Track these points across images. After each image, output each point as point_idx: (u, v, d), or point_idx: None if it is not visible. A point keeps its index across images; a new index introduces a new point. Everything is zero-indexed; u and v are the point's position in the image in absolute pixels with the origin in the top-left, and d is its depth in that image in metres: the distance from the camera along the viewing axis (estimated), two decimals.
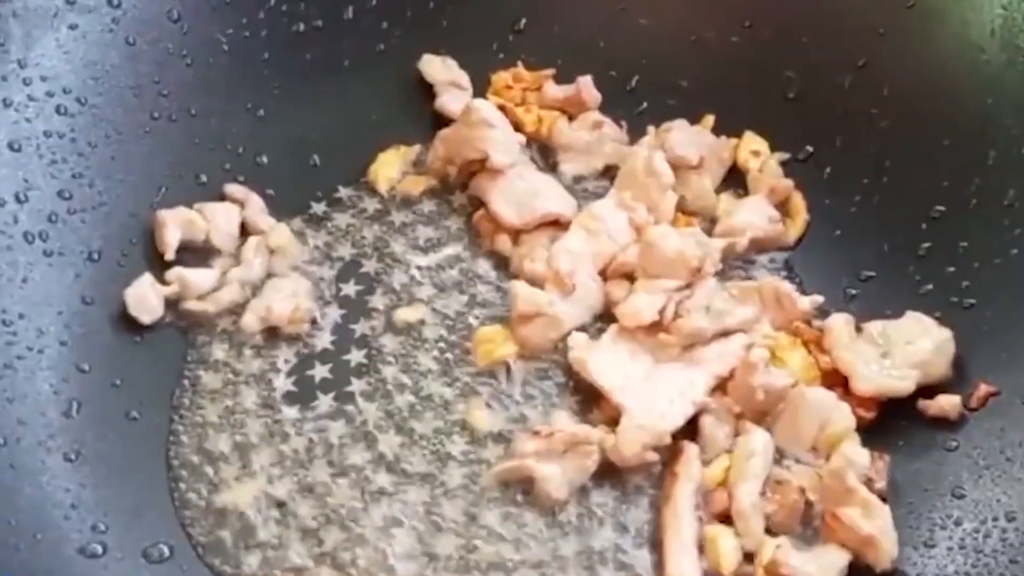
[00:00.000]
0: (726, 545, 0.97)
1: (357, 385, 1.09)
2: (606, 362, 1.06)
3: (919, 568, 0.96)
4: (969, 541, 0.96)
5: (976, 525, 0.96)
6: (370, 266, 1.17)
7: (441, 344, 1.12)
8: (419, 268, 1.17)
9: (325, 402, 1.08)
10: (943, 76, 1.16)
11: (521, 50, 1.28)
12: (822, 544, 0.97)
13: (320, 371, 1.10)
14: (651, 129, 1.22)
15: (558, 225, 1.16)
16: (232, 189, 1.19)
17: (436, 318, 1.13)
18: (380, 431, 1.06)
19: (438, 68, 1.28)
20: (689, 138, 1.20)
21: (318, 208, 1.21)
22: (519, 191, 1.17)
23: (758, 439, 1.01)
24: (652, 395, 1.04)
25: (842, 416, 1.02)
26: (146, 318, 1.11)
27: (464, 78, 1.27)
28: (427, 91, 1.27)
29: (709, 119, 1.23)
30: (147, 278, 1.11)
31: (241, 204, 1.18)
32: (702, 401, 1.03)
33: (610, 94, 1.26)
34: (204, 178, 1.20)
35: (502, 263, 1.17)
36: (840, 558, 0.95)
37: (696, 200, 1.19)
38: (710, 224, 1.18)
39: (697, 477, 1.00)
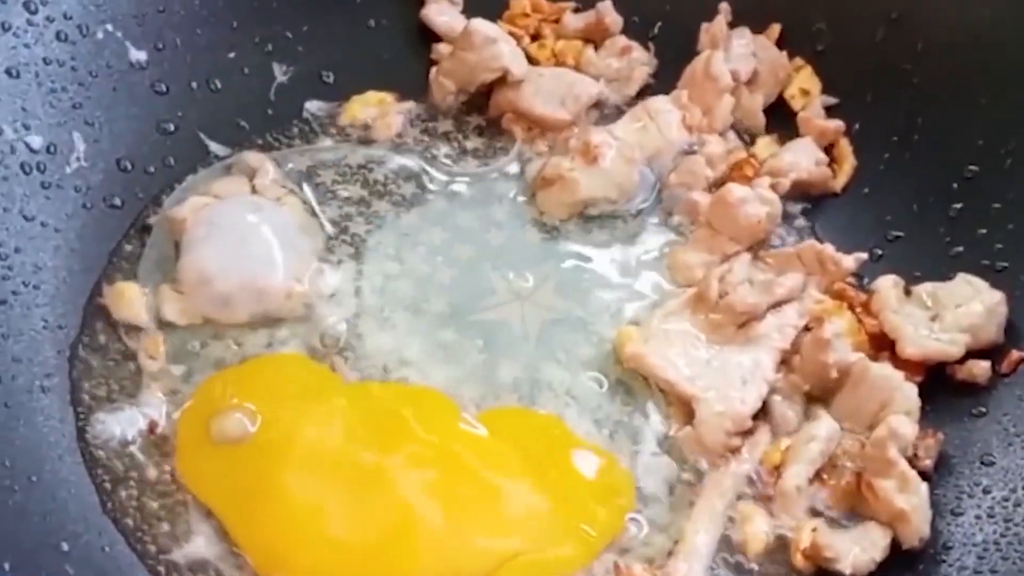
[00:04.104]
0: (757, 527, 0.94)
1: None
2: (664, 354, 1.02)
3: (946, 537, 0.93)
4: (998, 509, 0.93)
5: (1006, 493, 0.93)
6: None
7: None
8: None
9: None
10: (980, 31, 1.12)
11: None
12: (861, 523, 0.94)
13: None
14: (719, 20, 1.18)
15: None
16: (249, 156, 1.14)
17: None
18: None
19: None
20: (748, 48, 1.17)
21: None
22: (552, 89, 1.16)
23: (823, 427, 0.97)
24: (723, 380, 1.00)
25: (905, 396, 0.98)
26: None
27: None
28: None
29: (775, 29, 1.20)
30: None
31: (254, 171, 1.13)
32: (773, 379, 1.00)
33: (634, 32, 1.23)
34: (207, 114, 1.16)
35: None
36: (882, 536, 0.92)
37: (744, 118, 1.17)
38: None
39: (756, 459, 0.98)
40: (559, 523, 0.95)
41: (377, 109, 1.18)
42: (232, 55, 1.18)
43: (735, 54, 1.18)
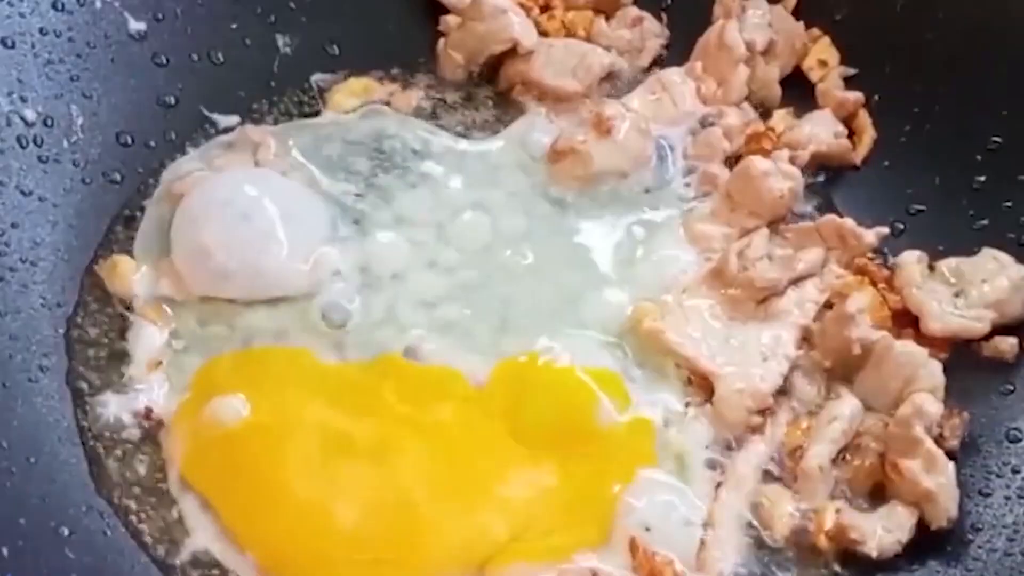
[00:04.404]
0: (782, 509, 0.92)
1: None
2: (683, 330, 0.99)
3: (974, 518, 0.91)
4: None
5: None
6: None
7: None
8: None
9: None
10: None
11: None
12: (886, 504, 0.91)
13: None
14: None
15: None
16: (251, 130, 1.11)
17: None
18: None
19: None
20: (764, 18, 1.14)
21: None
22: (563, 60, 1.13)
23: (846, 406, 0.95)
24: (743, 357, 0.98)
25: (930, 373, 0.95)
26: None
27: None
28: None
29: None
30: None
31: (257, 146, 1.10)
32: (794, 355, 0.97)
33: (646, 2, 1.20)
34: (209, 87, 1.13)
35: None
36: (907, 517, 0.90)
37: (759, 89, 1.14)
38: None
39: (777, 440, 0.95)
40: (569, 500, 0.93)
41: (360, 97, 1.15)
42: (234, 26, 1.15)
43: (750, 24, 1.15)
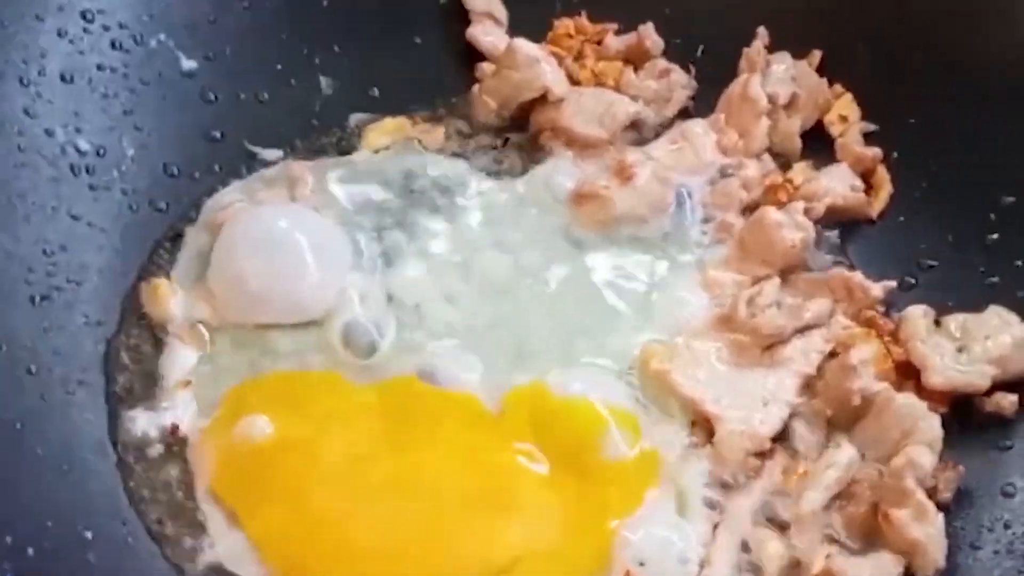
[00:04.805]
0: (774, 551, 0.94)
1: None
2: (689, 372, 1.03)
3: (964, 570, 0.92)
4: (1018, 545, 0.92)
5: None
6: None
7: None
8: None
9: None
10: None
11: (584, 7, 1.26)
12: (876, 551, 0.93)
13: None
14: (757, 44, 1.19)
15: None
16: (292, 166, 1.17)
17: None
18: None
19: None
20: (788, 73, 1.18)
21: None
22: (591, 108, 1.17)
23: (843, 454, 0.97)
24: (745, 400, 1.00)
25: (928, 426, 0.97)
26: None
27: (502, 11, 1.25)
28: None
29: (816, 55, 1.20)
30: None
31: (296, 181, 1.16)
32: (795, 402, 1.00)
33: (675, 55, 1.24)
34: (253, 123, 1.19)
35: None
36: (895, 565, 0.92)
37: (781, 141, 1.17)
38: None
39: (774, 483, 0.98)
40: (571, 529, 0.96)
41: (393, 136, 1.20)
42: (280, 67, 1.21)
43: (774, 78, 1.18)
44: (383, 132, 1.21)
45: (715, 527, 0.97)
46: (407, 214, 1.15)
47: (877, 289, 1.05)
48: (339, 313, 1.08)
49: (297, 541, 0.97)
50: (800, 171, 1.17)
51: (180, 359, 1.06)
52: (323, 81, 1.22)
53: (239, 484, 0.99)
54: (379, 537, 0.96)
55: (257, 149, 1.18)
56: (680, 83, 1.22)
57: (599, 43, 1.25)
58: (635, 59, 1.24)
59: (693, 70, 1.23)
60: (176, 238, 1.13)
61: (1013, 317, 1.02)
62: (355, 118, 1.22)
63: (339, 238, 1.12)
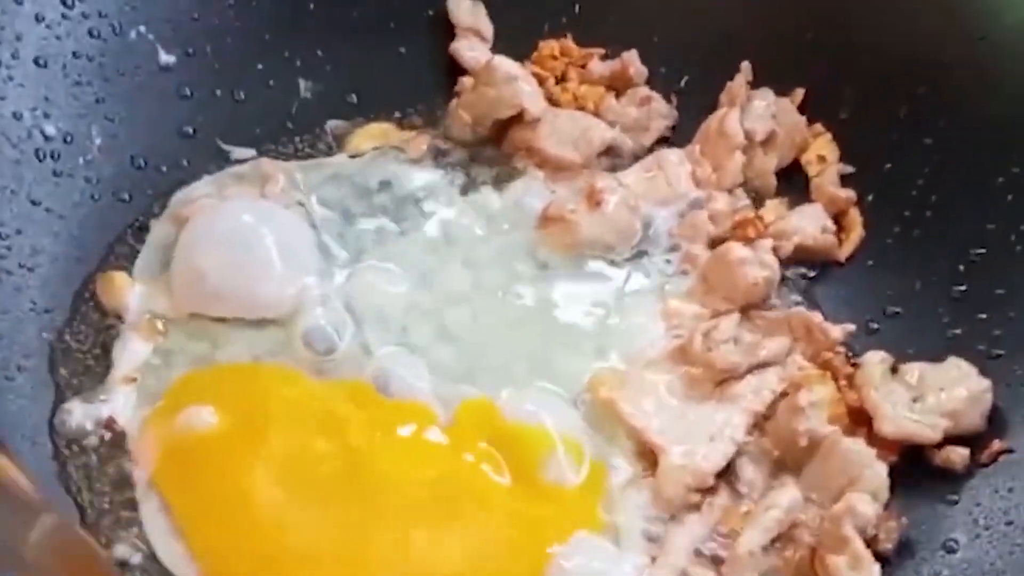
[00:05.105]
0: None
1: None
2: (637, 402, 1.02)
3: None
4: None
5: None
6: None
7: None
8: None
9: None
10: (1005, 114, 1.09)
11: (571, 30, 1.26)
12: None
13: None
14: (739, 78, 1.18)
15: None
16: (264, 163, 1.16)
17: None
18: None
19: (465, 10, 1.25)
20: (768, 110, 1.17)
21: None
22: (566, 131, 1.17)
23: (785, 496, 0.95)
24: (691, 434, 0.99)
25: (874, 474, 0.95)
26: None
27: (488, 28, 1.25)
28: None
29: (799, 93, 1.19)
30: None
31: (267, 179, 1.15)
32: (743, 440, 0.99)
33: (659, 83, 1.23)
34: (227, 122, 1.18)
35: None
36: None
37: (755, 178, 1.17)
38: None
39: (714, 521, 0.97)
40: (506, 550, 0.95)
41: (378, 141, 1.20)
42: (260, 67, 1.20)
43: (754, 114, 1.17)
44: (368, 136, 1.21)
45: (653, 560, 0.95)
46: (375, 220, 1.14)
47: (837, 331, 1.04)
48: (299, 313, 1.07)
49: (229, 543, 0.95)
50: (772, 208, 1.16)
51: (132, 352, 1.05)
52: (302, 84, 1.22)
53: (178, 476, 0.98)
54: (314, 544, 0.95)
55: (229, 147, 1.18)
56: (660, 112, 1.22)
57: (583, 67, 1.25)
58: (618, 85, 1.24)
59: (675, 100, 1.23)
60: (141, 230, 1.12)
61: (971, 369, 1.00)
62: (331, 124, 1.21)
63: (305, 237, 1.12)
